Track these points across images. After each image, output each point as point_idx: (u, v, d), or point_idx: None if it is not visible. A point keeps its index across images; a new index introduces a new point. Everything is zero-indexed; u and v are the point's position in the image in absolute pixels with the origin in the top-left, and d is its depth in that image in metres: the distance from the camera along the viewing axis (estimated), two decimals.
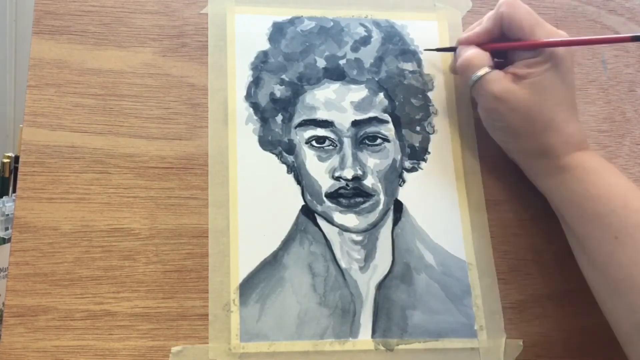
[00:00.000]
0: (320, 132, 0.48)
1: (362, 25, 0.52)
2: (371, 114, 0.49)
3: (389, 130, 0.49)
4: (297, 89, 0.49)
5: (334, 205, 0.47)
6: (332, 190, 0.47)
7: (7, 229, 0.79)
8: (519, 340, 0.45)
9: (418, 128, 0.50)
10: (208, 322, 0.43)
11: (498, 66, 0.46)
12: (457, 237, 0.47)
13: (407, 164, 0.49)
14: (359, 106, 0.49)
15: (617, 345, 0.42)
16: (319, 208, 0.47)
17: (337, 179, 0.47)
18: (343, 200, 0.47)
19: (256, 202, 0.46)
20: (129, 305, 0.43)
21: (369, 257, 0.46)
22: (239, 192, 0.46)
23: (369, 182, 0.47)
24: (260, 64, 0.50)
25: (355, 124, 0.48)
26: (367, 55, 0.51)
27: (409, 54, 0.52)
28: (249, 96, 0.49)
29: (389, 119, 0.49)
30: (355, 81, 0.50)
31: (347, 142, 0.48)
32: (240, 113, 0.48)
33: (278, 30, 0.51)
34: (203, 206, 0.46)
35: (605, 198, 0.41)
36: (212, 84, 0.49)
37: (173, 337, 0.42)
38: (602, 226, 0.41)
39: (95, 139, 0.46)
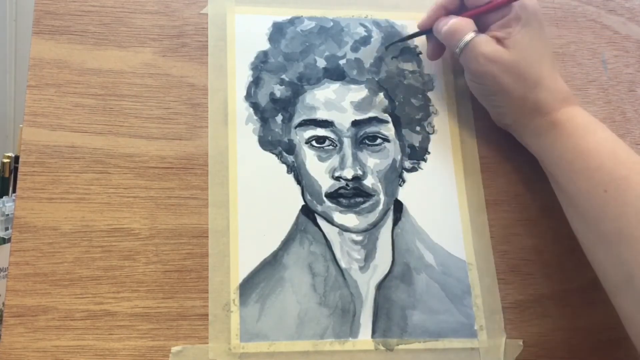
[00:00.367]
0: (320, 132, 0.48)
1: (362, 25, 0.52)
2: (371, 114, 0.49)
3: (389, 130, 0.49)
4: (297, 89, 0.49)
5: (334, 205, 0.47)
6: (332, 190, 0.47)
7: (7, 229, 0.79)
8: (519, 340, 0.45)
9: (418, 128, 0.50)
10: (208, 322, 0.43)
11: None
12: (457, 237, 0.47)
13: (407, 164, 0.49)
14: (359, 106, 0.49)
15: (617, 345, 0.42)
16: (319, 208, 0.47)
17: (337, 179, 0.47)
18: (343, 200, 0.47)
19: (256, 202, 0.46)
20: (129, 305, 0.43)
21: (369, 257, 0.46)
22: (239, 192, 0.46)
23: (369, 182, 0.47)
24: (260, 64, 0.50)
25: (355, 124, 0.48)
26: (367, 55, 0.51)
27: (409, 54, 0.52)
28: (249, 96, 0.49)
29: (389, 119, 0.49)
30: (355, 81, 0.50)
31: (347, 142, 0.48)
32: (240, 113, 0.48)
33: (278, 30, 0.51)
34: (203, 206, 0.46)
35: (595, 152, 0.42)
36: (212, 84, 0.49)
37: (173, 337, 0.42)
38: (591, 180, 0.42)
39: (95, 139, 0.46)
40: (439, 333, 0.44)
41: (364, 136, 0.48)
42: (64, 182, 0.45)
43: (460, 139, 0.50)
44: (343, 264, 0.45)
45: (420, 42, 0.52)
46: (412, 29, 0.52)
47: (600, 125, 0.44)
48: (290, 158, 0.48)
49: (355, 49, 0.51)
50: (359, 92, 0.50)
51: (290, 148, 0.48)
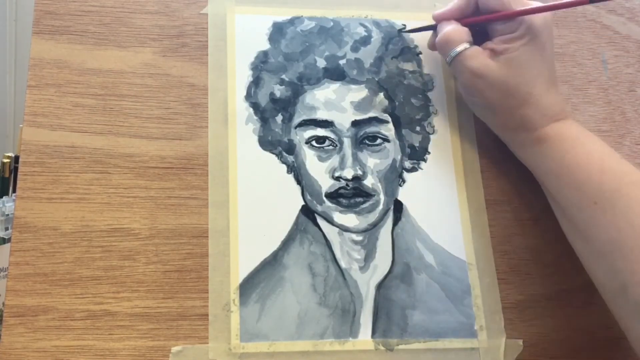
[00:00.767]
0: (320, 132, 0.48)
1: (362, 25, 0.52)
2: (371, 114, 0.49)
3: (389, 130, 0.49)
4: (297, 89, 0.49)
5: (334, 205, 0.47)
6: (332, 190, 0.47)
7: (7, 229, 0.79)
8: (519, 340, 0.45)
9: (418, 128, 0.50)
10: (208, 322, 0.43)
11: (477, 43, 0.46)
12: (457, 237, 0.47)
13: (407, 164, 0.49)
14: (359, 106, 0.49)
15: (617, 345, 0.42)
16: (319, 208, 0.47)
17: (337, 179, 0.47)
18: (343, 200, 0.47)
19: (256, 202, 0.46)
20: (129, 305, 0.43)
21: (369, 257, 0.46)
22: (239, 192, 0.46)
23: (369, 182, 0.47)
24: (260, 64, 0.50)
25: (355, 124, 0.48)
26: (367, 55, 0.51)
27: (409, 54, 0.52)
28: (249, 96, 0.49)
29: (389, 119, 0.49)
30: (355, 81, 0.50)
31: (347, 142, 0.48)
32: (240, 113, 0.48)
33: (278, 30, 0.51)
34: (203, 206, 0.46)
35: (583, 165, 0.42)
36: (212, 84, 0.49)
37: (173, 337, 0.42)
38: (581, 193, 0.42)
39: (95, 139, 0.46)
40: (439, 333, 0.44)
41: (364, 136, 0.48)
42: (64, 182, 0.45)
43: (460, 139, 0.50)
44: (343, 264, 0.45)
45: (421, 42, 0.52)
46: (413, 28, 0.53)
47: (590, 137, 0.44)
48: (290, 158, 0.48)
49: (355, 49, 0.51)
50: (359, 92, 0.50)
51: (290, 148, 0.48)
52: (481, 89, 0.45)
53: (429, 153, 0.50)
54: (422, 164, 0.49)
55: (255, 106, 0.49)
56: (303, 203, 0.47)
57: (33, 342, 0.41)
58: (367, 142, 0.48)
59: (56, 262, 0.43)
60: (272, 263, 0.45)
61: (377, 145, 0.49)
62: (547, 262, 0.48)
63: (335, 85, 0.50)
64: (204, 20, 0.51)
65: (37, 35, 0.48)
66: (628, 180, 0.41)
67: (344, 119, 0.48)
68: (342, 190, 0.47)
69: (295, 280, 0.44)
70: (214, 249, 0.45)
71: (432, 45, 0.50)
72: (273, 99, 0.49)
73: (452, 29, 0.46)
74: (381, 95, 0.50)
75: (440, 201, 0.48)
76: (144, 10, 0.50)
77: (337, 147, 0.48)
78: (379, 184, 0.47)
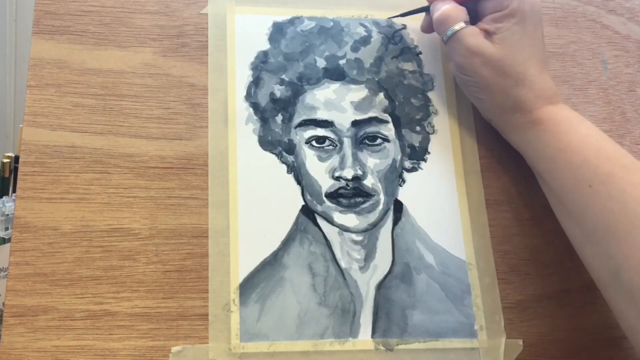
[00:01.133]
0: (320, 132, 0.48)
1: (362, 25, 0.52)
2: (371, 114, 0.49)
3: (389, 130, 0.49)
4: (297, 89, 0.49)
5: (334, 205, 0.47)
6: (332, 190, 0.47)
7: (7, 229, 0.79)
8: (519, 340, 0.45)
9: (418, 128, 0.50)
10: (208, 322, 0.43)
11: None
12: (457, 237, 0.47)
13: (407, 164, 0.49)
14: (359, 106, 0.49)
15: (617, 345, 0.42)
16: (319, 208, 0.47)
17: (337, 179, 0.47)
18: (343, 200, 0.47)
19: (256, 202, 0.46)
20: (129, 305, 0.43)
21: (369, 257, 0.46)
22: (239, 192, 0.46)
23: (369, 182, 0.47)
24: (260, 64, 0.50)
25: (355, 124, 0.48)
26: (367, 55, 0.51)
27: (409, 54, 0.52)
28: (249, 96, 0.49)
29: (389, 119, 0.49)
30: (355, 81, 0.50)
31: (347, 142, 0.48)
32: (240, 113, 0.48)
33: (278, 30, 0.51)
34: (203, 206, 0.46)
35: (578, 148, 0.42)
36: (212, 84, 0.49)
37: (173, 337, 0.42)
38: (575, 176, 0.42)
39: (95, 139, 0.46)
40: (439, 333, 0.44)
41: (364, 136, 0.48)
42: (64, 182, 0.45)
43: (460, 139, 0.50)
44: (343, 264, 0.45)
45: (420, 41, 0.52)
46: (412, 28, 0.53)
47: (585, 121, 0.44)
48: (290, 158, 0.48)
49: (355, 49, 0.51)
50: (359, 92, 0.50)
51: (290, 148, 0.48)
52: (477, 68, 0.45)
53: (429, 153, 0.50)
54: (422, 164, 0.49)
55: (255, 106, 0.49)
56: (303, 203, 0.47)
57: (33, 342, 0.41)
58: (367, 142, 0.48)
59: (56, 262, 0.43)
60: (272, 263, 0.45)
61: (377, 145, 0.49)
62: (547, 262, 0.48)
63: (335, 85, 0.50)
64: (204, 20, 0.51)
65: (37, 35, 0.48)
66: (622, 164, 0.41)
67: (344, 119, 0.48)
68: (342, 190, 0.47)
69: (295, 280, 0.44)
70: (214, 249, 0.45)
71: (426, 27, 0.51)
72: (273, 99, 0.49)
73: (450, 7, 0.47)
74: (381, 95, 0.50)
75: (440, 201, 0.48)
76: (144, 10, 0.50)
77: (337, 147, 0.48)
78: (379, 184, 0.47)
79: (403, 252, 0.46)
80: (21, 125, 0.47)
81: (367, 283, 0.45)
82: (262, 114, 0.48)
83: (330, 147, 0.48)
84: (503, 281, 0.47)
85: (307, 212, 0.46)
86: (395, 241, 0.47)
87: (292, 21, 0.52)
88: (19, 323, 0.41)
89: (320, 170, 0.47)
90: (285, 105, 0.49)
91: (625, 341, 0.42)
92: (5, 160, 0.88)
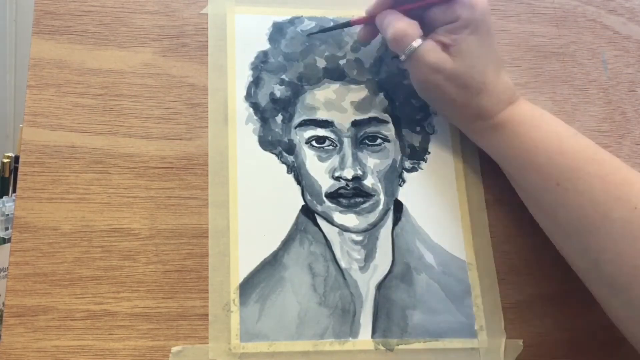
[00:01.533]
0: (320, 132, 0.48)
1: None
2: (371, 114, 0.49)
3: (389, 130, 0.49)
4: (297, 89, 0.49)
5: (334, 205, 0.47)
6: (332, 190, 0.47)
7: (7, 229, 0.79)
8: (519, 340, 0.45)
9: (418, 128, 0.50)
10: (208, 322, 0.43)
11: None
12: (457, 237, 0.47)
13: (407, 164, 0.49)
14: (359, 106, 0.49)
15: (617, 346, 0.42)
16: (319, 208, 0.47)
17: (337, 179, 0.47)
18: (343, 200, 0.47)
19: (256, 202, 0.46)
20: (129, 305, 0.43)
21: (369, 257, 0.46)
22: (239, 192, 0.46)
23: (369, 182, 0.47)
24: (260, 64, 0.50)
25: (355, 124, 0.48)
26: (367, 55, 0.51)
27: None
28: (249, 96, 0.49)
29: (389, 119, 0.49)
30: (355, 81, 0.50)
31: (347, 142, 0.48)
32: (240, 113, 0.48)
33: (278, 30, 0.51)
34: (203, 206, 0.46)
35: (541, 147, 0.42)
36: (212, 84, 0.49)
37: (173, 337, 0.42)
38: (542, 175, 0.42)
39: (95, 139, 0.46)
40: (439, 333, 0.44)
41: (364, 136, 0.48)
42: (64, 182, 0.45)
43: (460, 139, 0.50)
44: (343, 264, 0.45)
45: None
46: None
47: (544, 115, 0.44)
48: (290, 158, 0.48)
49: (355, 49, 0.51)
50: (359, 92, 0.50)
51: (290, 148, 0.48)
52: (439, 84, 0.45)
53: (429, 153, 0.50)
54: (422, 164, 0.49)
55: (255, 106, 0.49)
56: (303, 203, 0.47)
57: (33, 342, 0.41)
58: (367, 142, 0.48)
59: (56, 262, 0.43)
60: (272, 263, 0.45)
61: (377, 145, 0.49)
62: (547, 262, 0.48)
63: (335, 86, 0.50)
64: (204, 20, 0.51)
65: (37, 35, 0.48)
66: (587, 157, 0.41)
67: (344, 119, 0.48)
68: (342, 190, 0.47)
69: (295, 280, 0.44)
70: (214, 249, 0.45)
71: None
72: (273, 99, 0.49)
73: (405, 24, 0.45)
74: (381, 95, 0.50)
75: (440, 201, 0.48)
76: (144, 10, 0.50)
77: (337, 147, 0.48)
78: (379, 184, 0.47)
79: (403, 252, 0.46)
80: (21, 125, 0.47)
81: (367, 283, 0.45)
82: (262, 114, 0.48)
83: (330, 147, 0.48)
84: (503, 281, 0.47)
85: (307, 212, 0.46)
86: (395, 241, 0.47)
87: (292, 21, 0.52)
88: (19, 323, 0.41)
89: (320, 170, 0.47)
90: (285, 105, 0.49)
91: (625, 341, 0.42)
92: (5, 160, 0.88)
